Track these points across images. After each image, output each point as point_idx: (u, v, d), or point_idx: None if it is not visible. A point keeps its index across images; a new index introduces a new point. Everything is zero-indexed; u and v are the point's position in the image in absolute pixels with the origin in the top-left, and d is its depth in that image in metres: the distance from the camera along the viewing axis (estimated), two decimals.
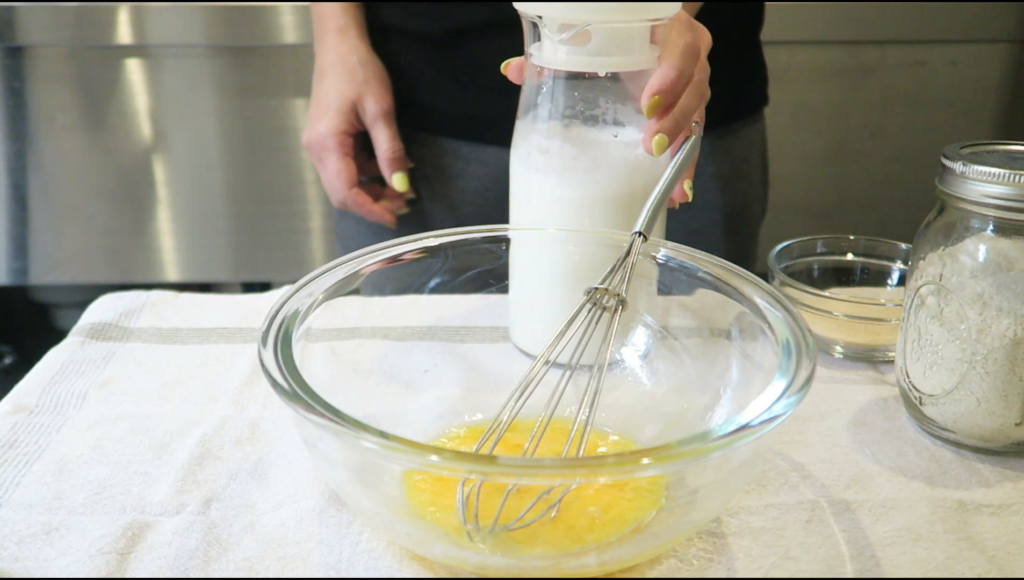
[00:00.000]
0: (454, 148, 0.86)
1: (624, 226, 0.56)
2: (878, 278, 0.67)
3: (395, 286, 0.55)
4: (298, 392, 0.39)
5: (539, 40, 0.56)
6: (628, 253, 0.49)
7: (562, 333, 0.47)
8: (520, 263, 0.58)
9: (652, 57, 0.56)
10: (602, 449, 0.50)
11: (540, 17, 0.55)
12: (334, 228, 0.98)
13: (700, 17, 0.80)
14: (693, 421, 0.49)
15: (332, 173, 0.82)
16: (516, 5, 0.56)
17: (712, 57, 0.84)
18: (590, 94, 0.56)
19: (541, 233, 0.58)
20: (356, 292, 0.51)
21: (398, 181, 0.82)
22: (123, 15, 1.31)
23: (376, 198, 0.85)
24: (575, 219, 0.57)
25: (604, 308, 0.48)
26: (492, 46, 0.77)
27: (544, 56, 0.56)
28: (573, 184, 0.57)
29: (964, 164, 0.48)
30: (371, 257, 0.51)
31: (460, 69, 0.83)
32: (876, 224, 1.51)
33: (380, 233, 0.87)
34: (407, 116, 0.85)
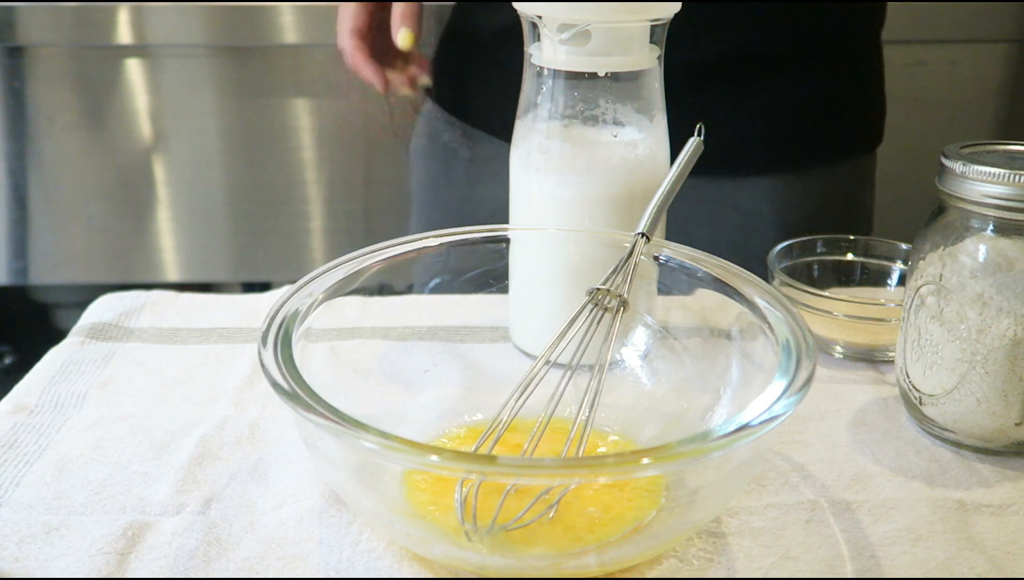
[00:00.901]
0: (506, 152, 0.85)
1: (624, 226, 0.56)
2: (878, 278, 0.67)
3: (395, 286, 0.55)
4: (298, 392, 0.39)
5: (539, 40, 0.56)
6: (631, 254, 0.49)
7: (563, 333, 0.47)
8: (520, 263, 0.58)
9: (652, 57, 0.56)
10: (602, 449, 0.50)
11: (540, 17, 0.55)
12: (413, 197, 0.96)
13: (811, 20, 0.76)
14: (693, 421, 0.49)
15: (340, 17, 0.78)
16: (515, 5, 0.56)
17: (816, 78, 0.76)
18: (590, 94, 0.56)
19: (541, 233, 0.58)
20: (356, 292, 0.51)
21: (403, 37, 0.77)
22: (123, 15, 1.31)
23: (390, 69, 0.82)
24: (575, 219, 0.57)
25: (605, 309, 0.48)
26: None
27: (544, 56, 0.56)
28: (573, 184, 0.57)
29: (964, 164, 0.48)
30: (371, 257, 0.51)
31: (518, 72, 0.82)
32: (876, 224, 1.51)
33: (458, 216, 0.84)
34: (470, 115, 0.84)
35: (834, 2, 0.78)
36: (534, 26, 0.56)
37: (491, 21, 0.83)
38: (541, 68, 0.57)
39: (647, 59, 0.56)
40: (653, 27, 0.56)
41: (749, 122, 0.77)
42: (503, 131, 0.83)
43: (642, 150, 0.57)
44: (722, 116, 0.74)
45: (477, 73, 0.85)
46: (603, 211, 0.57)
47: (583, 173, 0.57)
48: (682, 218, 0.81)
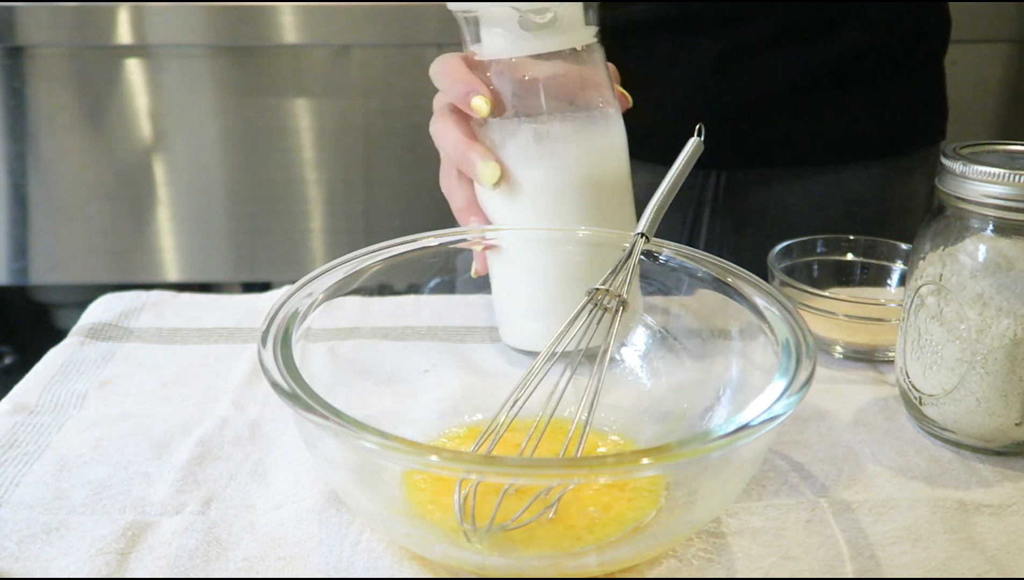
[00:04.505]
0: None
1: (592, 216, 0.55)
2: (878, 278, 0.67)
3: (395, 286, 0.55)
4: (298, 392, 0.39)
5: (479, 39, 0.55)
6: (630, 254, 0.49)
7: (563, 333, 0.47)
8: (516, 263, 0.58)
9: (590, 34, 0.56)
10: (602, 449, 0.50)
11: (514, 7, 0.54)
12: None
13: (878, 27, 0.77)
14: (693, 421, 0.49)
15: (450, 66, 0.60)
16: (466, 5, 0.55)
17: (884, 78, 0.79)
18: (534, 85, 0.55)
19: (534, 233, 0.58)
20: (356, 292, 0.51)
21: (477, 105, 0.60)
22: (123, 15, 1.31)
23: None
24: (540, 210, 0.56)
25: (605, 309, 0.48)
26: (645, 51, 0.75)
27: (503, 48, 0.55)
28: (530, 175, 0.56)
29: (964, 164, 0.48)
30: (371, 257, 0.51)
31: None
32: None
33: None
34: None
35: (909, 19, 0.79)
36: (474, 24, 0.56)
37: None
38: (490, 62, 0.56)
39: (587, 35, 0.56)
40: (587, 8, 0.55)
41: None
42: None
43: (598, 136, 0.56)
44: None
45: None
46: (567, 200, 0.56)
47: (537, 161, 0.56)
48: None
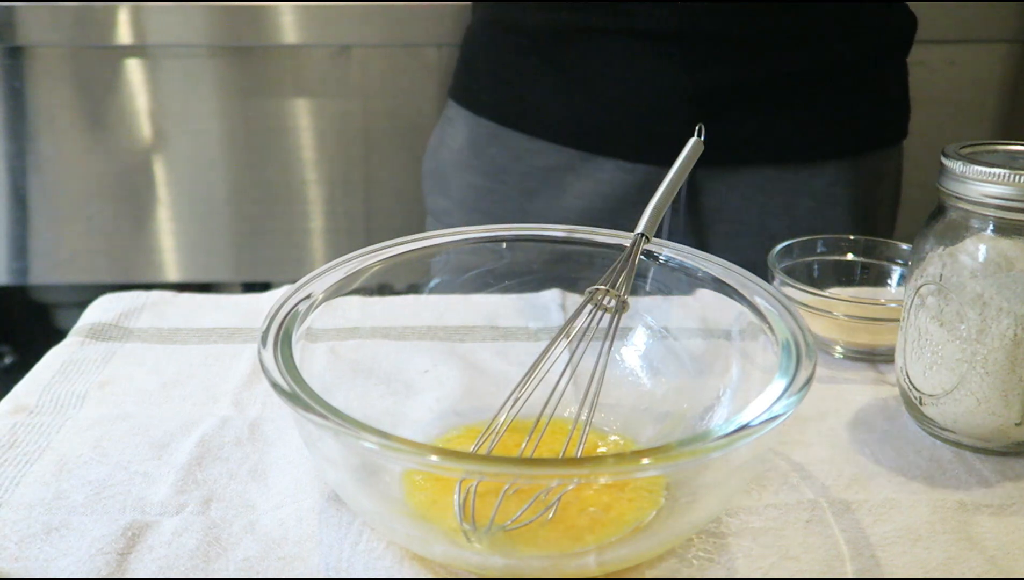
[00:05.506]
0: (566, 159, 0.81)
1: None
2: (878, 278, 0.67)
3: (395, 286, 0.55)
4: (298, 392, 0.39)
5: None
6: (630, 254, 0.49)
7: (562, 333, 0.47)
8: None
9: None
10: (602, 449, 0.50)
11: None
12: (424, 202, 0.93)
13: (844, 29, 0.78)
14: (693, 421, 0.49)
15: None
16: None
17: (850, 77, 0.79)
18: None
19: None
20: (356, 292, 0.51)
21: None
22: (123, 15, 1.31)
23: None
24: None
25: (605, 309, 0.48)
26: (610, 49, 0.75)
27: None
28: None
29: (964, 164, 0.48)
30: (371, 257, 0.51)
31: (575, 71, 0.78)
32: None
33: (470, 215, 0.83)
34: (520, 121, 0.82)
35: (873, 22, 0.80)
36: None
37: (538, 19, 0.80)
38: None
39: None
40: None
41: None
42: (562, 136, 0.80)
43: None
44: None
45: (523, 74, 0.82)
46: None
47: None
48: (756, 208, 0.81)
